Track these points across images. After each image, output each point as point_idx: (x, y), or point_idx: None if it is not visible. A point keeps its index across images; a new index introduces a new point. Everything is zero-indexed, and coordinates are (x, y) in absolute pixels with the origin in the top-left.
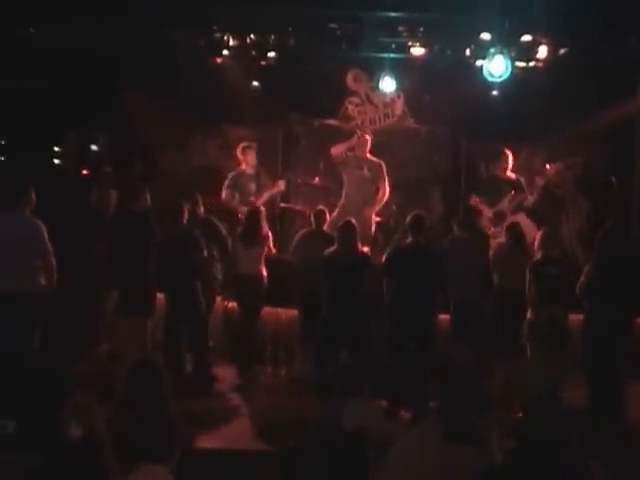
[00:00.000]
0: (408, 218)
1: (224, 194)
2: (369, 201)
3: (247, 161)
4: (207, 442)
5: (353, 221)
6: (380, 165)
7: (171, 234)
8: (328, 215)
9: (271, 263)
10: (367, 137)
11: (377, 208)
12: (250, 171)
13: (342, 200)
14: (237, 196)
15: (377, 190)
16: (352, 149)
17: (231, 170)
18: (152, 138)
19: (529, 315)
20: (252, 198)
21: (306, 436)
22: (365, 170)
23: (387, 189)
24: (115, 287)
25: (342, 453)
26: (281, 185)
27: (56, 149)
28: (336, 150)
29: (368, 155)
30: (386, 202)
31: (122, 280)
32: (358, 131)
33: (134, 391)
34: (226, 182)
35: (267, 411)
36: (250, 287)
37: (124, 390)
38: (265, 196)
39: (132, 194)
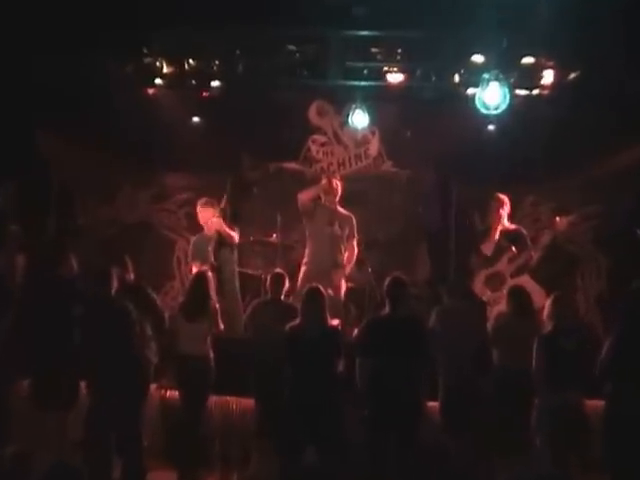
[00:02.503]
0: (385, 283)
1: (191, 265)
2: (338, 263)
3: (205, 222)
4: None
5: (320, 287)
6: (350, 219)
7: (96, 306)
8: (287, 280)
9: (219, 342)
10: (337, 183)
11: (347, 271)
12: (211, 233)
13: (305, 261)
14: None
15: (345, 249)
16: (322, 194)
17: (167, 226)
18: (70, 188)
19: (537, 401)
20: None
21: None
22: (336, 226)
23: (355, 248)
24: (26, 374)
25: None
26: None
27: None
28: (305, 195)
29: (338, 207)
30: (359, 263)
31: (35, 366)
32: (324, 176)
33: None
34: (189, 251)
35: None
36: (193, 371)
37: None
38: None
39: (51, 258)
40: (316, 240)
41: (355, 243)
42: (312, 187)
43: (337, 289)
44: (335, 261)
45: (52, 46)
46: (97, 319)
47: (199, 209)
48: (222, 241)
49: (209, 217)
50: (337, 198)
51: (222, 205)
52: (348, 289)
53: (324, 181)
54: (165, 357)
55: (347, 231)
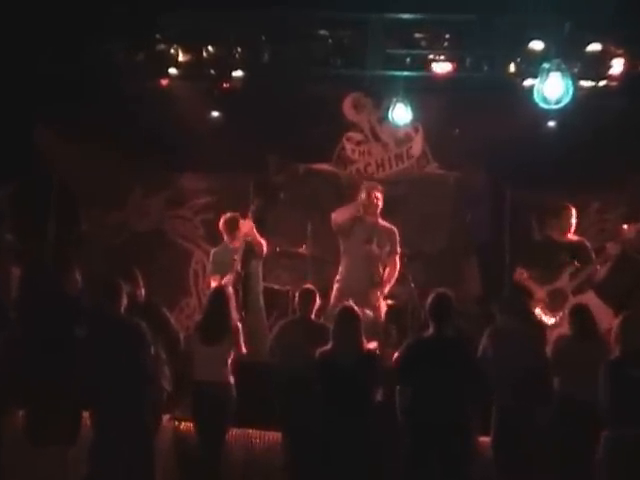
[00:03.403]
0: (429, 300)
1: (210, 280)
2: (375, 281)
3: (232, 234)
4: None
5: (354, 307)
6: (392, 234)
7: (102, 326)
8: (318, 297)
9: (241, 366)
10: (378, 196)
11: (386, 289)
12: (237, 244)
13: (338, 279)
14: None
15: (384, 267)
16: (360, 212)
17: (183, 235)
18: (73, 191)
19: (604, 435)
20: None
21: None
22: (374, 245)
23: (397, 264)
24: (20, 405)
25: None
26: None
27: None
28: (341, 216)
29: (379, 220)
30: (401, 278)
31: (32, 395)
32: (365, 185)
33: None
34: (208, 265)
35: None
36: (211, 400)
37: None
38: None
39: (51, 271)
40: (351, 257)
41: (397, 258)
42: (348, 206)
43: (376, 308)
44: (372, 280)
45: (53, 33)
46: (104, 340)
47: (223, 223)
48: (251, 249)
49: (236, 234)
50: (379, 211)
51: (253, 208)
52: (388, 308)
53: (363, 196)
54: (180, 384)
55: (388, 247)
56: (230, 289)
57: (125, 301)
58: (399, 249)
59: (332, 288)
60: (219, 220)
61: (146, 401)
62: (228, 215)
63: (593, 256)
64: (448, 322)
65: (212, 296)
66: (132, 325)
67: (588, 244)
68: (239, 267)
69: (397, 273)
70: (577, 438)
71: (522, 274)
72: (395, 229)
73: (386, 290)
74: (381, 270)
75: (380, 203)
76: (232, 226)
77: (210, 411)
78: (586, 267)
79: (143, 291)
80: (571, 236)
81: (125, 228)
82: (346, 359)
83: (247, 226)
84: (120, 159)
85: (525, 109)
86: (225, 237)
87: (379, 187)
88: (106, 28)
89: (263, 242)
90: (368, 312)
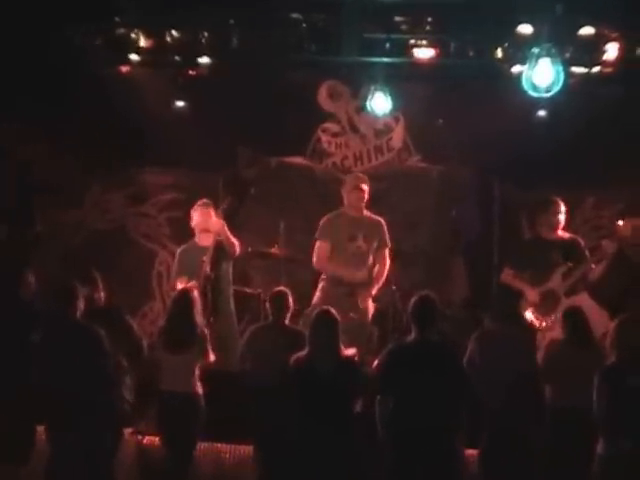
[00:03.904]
0: (411, 303)
1: (176, 282)
2: (364, 282)
3: (202, 224)
4: None
5: (332, 311)
6: (379, 226)
7: (58, 332)
8: (292, 300)
9: (210, 376)
10: (364, 188)
11: (375, 290)
12: (206, 243)
13: (324, 277)
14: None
15: (374, 263)
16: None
17: (146, 234)
18: (26, 187)
19: (600, 448)
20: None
21: None
22: (360, 240)
23: (387, 260)
24: None
25: None
26: None
27: None
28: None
29: (364, 212)
30: (385, 280)
31: None
32: (347, 181)
33: None
34: (174, 265)
35: None
36: (178, 412)
37: None
38: None
39: (3, 273)
40: (336, 256)
41: (387, 253)
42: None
43: (362, 311)
44: (360, 280)
45: (9, 15)
46: (60, 347)
47: (196, 210)
48: (222, 248)
49: (208, 218)
50: (363, 203)
51: (224, 205)
52: (374, 310)
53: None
54: (143, 394)
55: (376, 242)
56: (195, 292)
57: (81, 305)
58: (389, 242)
59: (308, 291)
60: (186, 218)
61: (106, 413)
62: (201, 202)
63: (587, 254)
64: (432, 326)
65: (175, 301)
66: (88, 330)
67: (581, 242)
68: (208, 269)
69: (387, 270)
70: (570, 448)
71: (509, 274)
72: (382, 221)
73: (374, 290)
74: (370, 267)
75: (366, 195)
76: (206, 206)
77: (177, 423)
78: (579, 266)
79: (103, 295)
80: (563, 233)
81: (83, 227)
82: (323, 366)
83: (217, 224)
84: (77, 152)
85: (513, 97)
86: (194, 218)
87: (365, 179)
88: (61, 10)
89: (236, 242)
90: (352, 315)
